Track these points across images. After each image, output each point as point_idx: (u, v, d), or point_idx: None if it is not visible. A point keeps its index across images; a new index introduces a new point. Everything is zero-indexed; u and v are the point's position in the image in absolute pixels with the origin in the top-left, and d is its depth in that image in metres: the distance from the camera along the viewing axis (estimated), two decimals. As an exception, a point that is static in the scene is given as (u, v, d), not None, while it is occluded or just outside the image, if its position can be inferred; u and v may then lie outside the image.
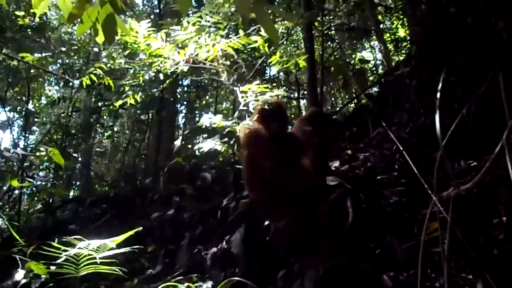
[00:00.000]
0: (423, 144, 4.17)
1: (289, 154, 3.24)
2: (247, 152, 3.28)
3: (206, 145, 4.03)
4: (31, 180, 6.78)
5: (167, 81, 5.58)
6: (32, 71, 8.29)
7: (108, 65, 5.51)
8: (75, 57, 10.17)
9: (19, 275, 4.06)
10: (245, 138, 3.34)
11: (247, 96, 4.18)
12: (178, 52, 4.75)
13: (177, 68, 4.84)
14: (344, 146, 5.30)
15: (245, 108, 4.05)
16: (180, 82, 11.02)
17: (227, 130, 3.93)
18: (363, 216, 3.42)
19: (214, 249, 3.89)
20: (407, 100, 5.47)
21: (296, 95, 9.77)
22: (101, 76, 5.49)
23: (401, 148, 3.74)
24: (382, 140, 4.94)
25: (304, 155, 3.31)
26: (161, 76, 5.39)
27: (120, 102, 5.75)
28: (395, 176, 3.95)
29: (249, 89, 4.14)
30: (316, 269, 2.82)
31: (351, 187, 3.65)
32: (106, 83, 5.77)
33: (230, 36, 4.70)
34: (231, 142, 4.05)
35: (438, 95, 2.96)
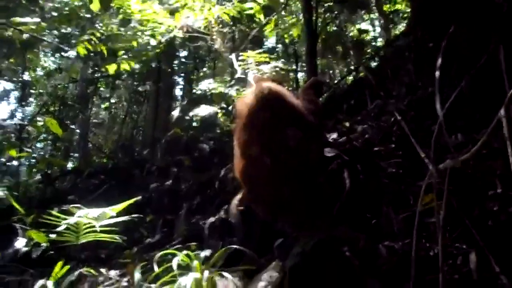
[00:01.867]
0: (421, 117, 4.18)
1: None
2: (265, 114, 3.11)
3: (202, 110, 4.02)
4: (29, 150, 6.78)
5: (160, 47, 5.50)
6: (25, 36, 8.10)
7: (102, 31, 5.43)
8: (69, 26, 10.02)
9: (20, 243, 4.11)
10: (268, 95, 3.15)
11: (245, 64, 4.14)
12: (173, 16, 4.68)
13: (170, 35, 4.78)
14: (342, 118, 5.29)
15: (243, 75, 4.02)
16: (177, 54, 10.93)
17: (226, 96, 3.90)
18: (360, 187, 3.45)
19: (212, 219, 3.92)
20: (405, 73, 5.45)
21: (294, 67, 9.72)
22: (95, 43, 5.42)
23: (400, 119, 3.73)
24: (380, 113, 4.94)
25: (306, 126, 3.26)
26: (154, 42, 5.30)
27: (114, 66, 5.68)
28: (393, 148, 3.96)
29: (248, 56, 4.10)
30: (310, 239, 2.86)
31: (349, 159, 3.66)
32: (101, 51, 5.72)
33: (225, 2, 4.64)
34: (229, 108, 4.03)
35: (438, 66, 2.95)
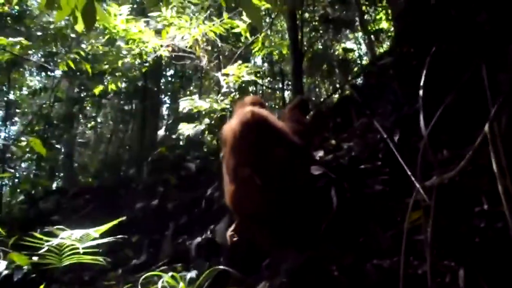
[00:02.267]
0: (406, 134, 4.20)
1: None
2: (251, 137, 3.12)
3: (187, 128, 4.01)
4: (12, 170, 6.68)
5: (146, 66, 5.51)
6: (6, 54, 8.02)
7: (87, 50, 5.43)
8: (55, 46, 9.98)
9: (1, 266, 4.00)
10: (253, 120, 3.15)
11: (228, 80, 4.16)
12: (159, 36, 4.70)
13: (157, 54, 4.80)
14: (328, 136, 5.30)
15: (227, 90, 4.03)
16: (164, 73, 10.95)
17: (210, 113, 3.89)
18: (347, 204, 3.44)
19: (199, 239, 3.89)
20: (390, 91, 5.49)
21: (280, 85, 9.78)
22: (79, 61, 5.41)
23: (385, 137, 3.75)
24: (366, 130, 4.96)
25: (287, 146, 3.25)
26: (138, 62, 5.32)
27: (100, 87, 5.68)
28: (379, 165, 3.97)
29: (230, 71, 4.12)
30: (293, 261, 2.84)
31: (335, 176, 3.66)
32: (86, 70, 5.71)
33: (212, 19, 4.67)
34: (213, 124, 4.01)
35: (422, 84, 2.97)
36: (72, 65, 5.44)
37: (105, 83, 5.79)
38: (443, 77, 4.07)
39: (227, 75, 4.17)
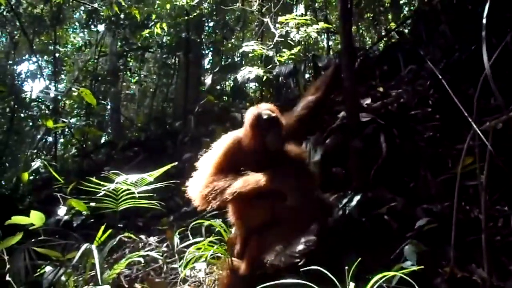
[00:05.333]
0: (457, 81, 4.05)
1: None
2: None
3: (243, 73, 3.98)
4: (65, 120, 6.92)
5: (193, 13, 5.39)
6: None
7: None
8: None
9: (62, 211, 4.22)
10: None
11: (282, 28, 4.07)
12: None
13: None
14: (375, 84, 5.19)
15: (282, 38, 3.94)
16: (206, 24, 10.85)
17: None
18: (397, 151, 3.41)
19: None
20: (441, 35, 5.28)
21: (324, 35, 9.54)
22: (127, 6, 5.39)
23: (441, 77, 3.59)
24: (415, 77, 4.83)
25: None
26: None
27: (146, 31, 5.66)
28: (429, 112, 3.87)
29: (287, 19, 4.03)
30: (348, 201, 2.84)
31: (384, 123, 3.61)
32: (129, 24, 5.71)
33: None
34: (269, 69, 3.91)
35: (484, 21, 2.81)
36: (117, 10, 5.44)
37: (151, 25, 5.78)
38: (502, 18, 3.87)
39: (282, 23, 4.05)
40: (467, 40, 4.48)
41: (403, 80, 4.98)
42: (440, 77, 3.22)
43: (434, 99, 4.00)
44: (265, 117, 2.67)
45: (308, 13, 10.08)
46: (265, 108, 2.75)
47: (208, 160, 2.80)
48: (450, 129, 3.52)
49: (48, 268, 2.79)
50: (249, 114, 2.75)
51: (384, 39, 8.17)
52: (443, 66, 4.68)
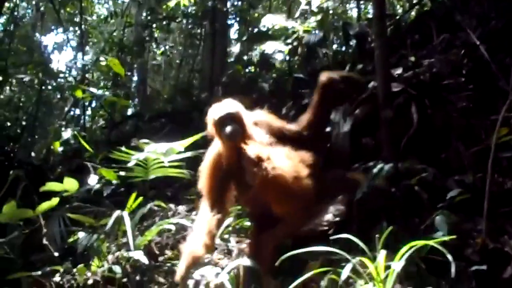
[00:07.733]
0: (493, 50, 3.92)
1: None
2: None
3: (269, 46, 3.93)
4: (94, 90, 7.00)
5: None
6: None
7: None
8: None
9: (92, 180, 4.31)
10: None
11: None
12: None
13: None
14: (406, 53, 5.06)
15: (307, 7, 3.87)
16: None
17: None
18: (428, 121, 3.34)
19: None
20: (476, 3, 5.10)
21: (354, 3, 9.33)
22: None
23: (479, 44, 3.48)
24: (448, 46, 4.69)
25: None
26: None
27: (172, 0, 5.60)
28: (462, 81, 3.77)
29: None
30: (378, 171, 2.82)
31: (416, 93, 3.53)
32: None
33: None
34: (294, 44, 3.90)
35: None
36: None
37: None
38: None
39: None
40: (503, 7, 4.33)
41: (436, 49, 4.84)
42: (479, 43, 3.11)
43: (467, 69, 3.89)
44: (220, 114, 2.84)
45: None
46: (224, 105, 2.94)
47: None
48: (484, 99, 3.43)
49: (81, 234, 2.87)
50: (209, 113, 2.95)
51: (416, 7, 7.94)
52: (479, 34, 4.53)
